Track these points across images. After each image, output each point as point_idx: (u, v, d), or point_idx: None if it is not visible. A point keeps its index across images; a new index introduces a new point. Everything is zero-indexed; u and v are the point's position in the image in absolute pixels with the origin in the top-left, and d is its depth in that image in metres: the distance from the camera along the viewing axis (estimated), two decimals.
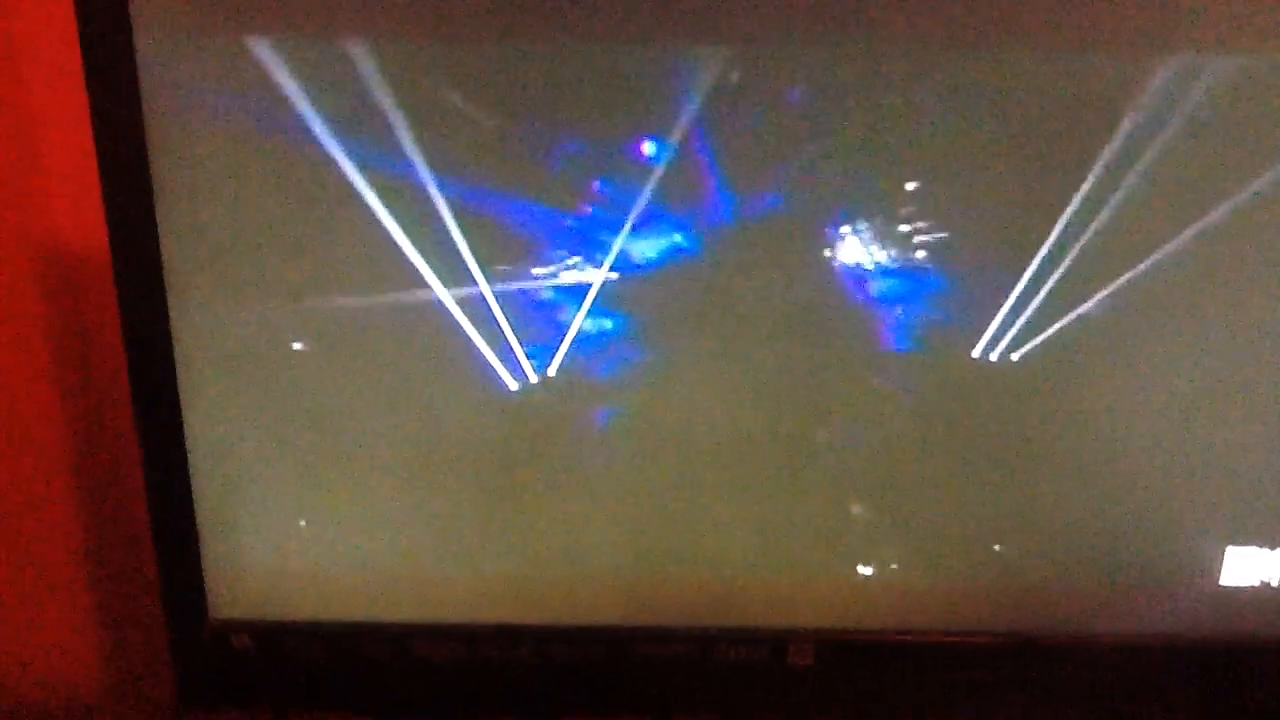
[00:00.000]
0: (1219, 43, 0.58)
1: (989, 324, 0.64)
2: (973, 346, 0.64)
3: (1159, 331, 0.64)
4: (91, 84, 0.58)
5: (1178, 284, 0.63)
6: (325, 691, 0.72)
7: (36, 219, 0.76)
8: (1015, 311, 0.63)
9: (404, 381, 0.65)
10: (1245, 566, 0.70)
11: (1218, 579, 0.70)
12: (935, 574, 0.70)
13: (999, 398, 0.65)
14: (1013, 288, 0.63)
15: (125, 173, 0.60)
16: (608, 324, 0.64)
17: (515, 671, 0.71)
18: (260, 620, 0.70)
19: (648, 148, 0.60)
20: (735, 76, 0.59)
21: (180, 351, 0.64)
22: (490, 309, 0.63)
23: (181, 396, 0.65)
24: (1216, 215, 0.62)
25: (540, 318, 0.64)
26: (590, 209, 0.61)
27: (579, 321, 0.64)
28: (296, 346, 0.64)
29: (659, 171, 0.60)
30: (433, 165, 0.60)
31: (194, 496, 0.67)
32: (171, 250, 0.62)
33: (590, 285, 0.63)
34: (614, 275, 0.63)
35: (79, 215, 0.76)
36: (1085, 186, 0.61)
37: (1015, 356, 0.64)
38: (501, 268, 0.62)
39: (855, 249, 0.62)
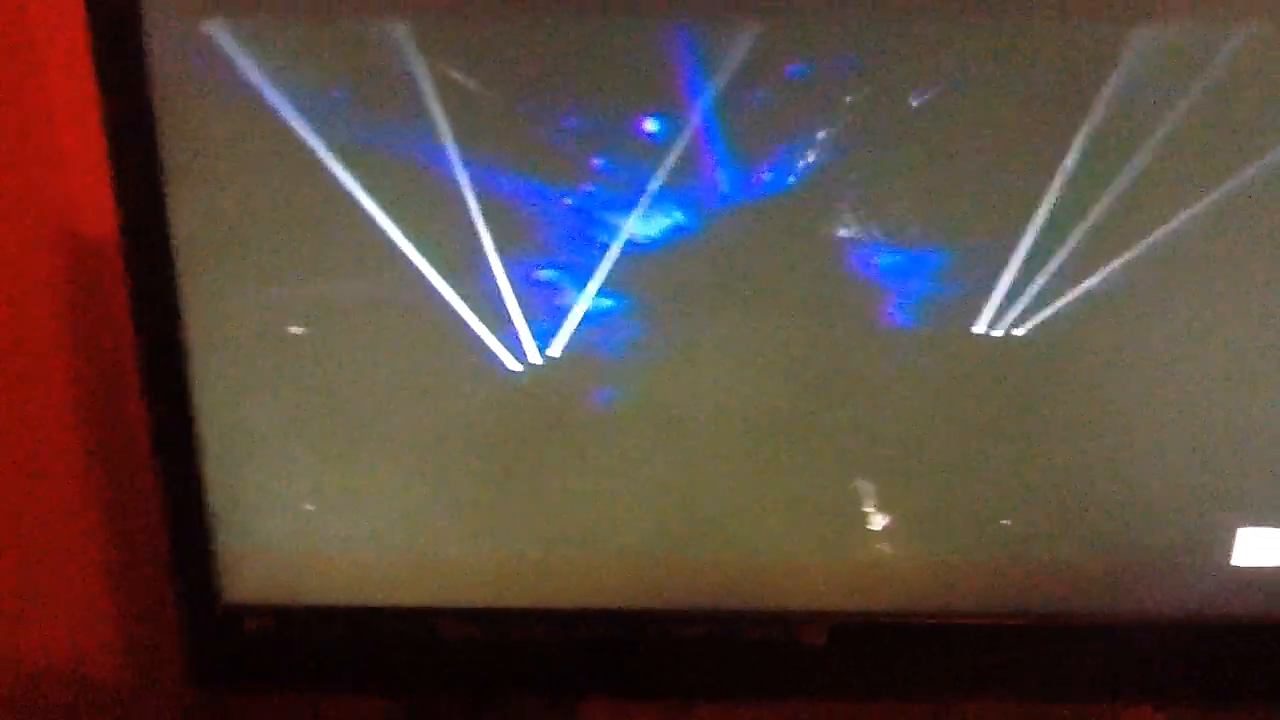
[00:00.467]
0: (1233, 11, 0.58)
1: (994, 298, 0.63)
2: (979, 321, 0.64)
3: (1168, 309, 0.64)
4: (101, 67, 0.59)
5: (1187, 260, 0.63)
6: (338, 674, 0.73)
7: (47, 202, 0.76)
8: (1021, 285, 0.63)
9: (413, 362, 0.65)
10: (1257, 547, 0.69)
11: (1229, 559, 0.70)
12: (947, 553, 0.70)
13: (1009, 373, 0.65)
14: (1016, 261, 0.62)
15: (135, 156, 0.60)
16: (611, 303, 0.64)
17: (530, 653, 0.71)
18: (273, 603, 0.70)
19: (651, 125, 0.60)
20: (738, 52, 0.58)
21: (191, 335, 0.64)
22: (496, 289, 0.63)
23: (192, 380, 0.65)
24: (1229, 188, 0.61)
25: (544, 298, 0.64)
26: (593, 187, 0.61)
27: (584, 302, 0.64)
28: (305, 329, 0.64)
29: (663, 149, 0.60)
30: (438, 146, 0.60)
31: (205, 479, 0.67)
32: (182, 234, 0.62)
33: (594, 264, 0.63)
34: (617, 254, 0.63)
35: (89, 198, 0.76)
36: (1090, 159, 0.60)
37: (1022, 331, 0.64)
38: (507, 247, 0.62)
39: (861, 225, 0.62)
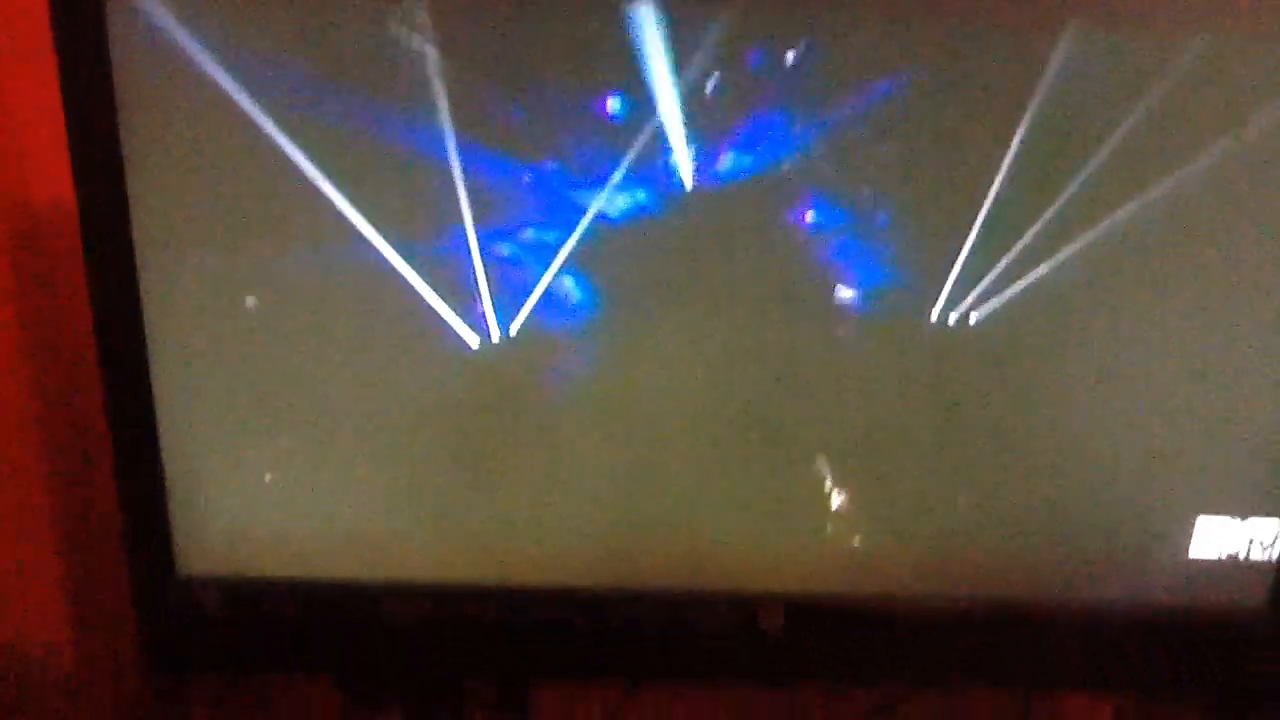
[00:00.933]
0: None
1: (947, 286, 0.64)
2: (933, 309, 0.64)
3: (1121, 300, 0.65)
4: (60, 46, 0.58)
5: (1138, 253, 0.63)
6: (293, 649, 0.72)
7: (6, 175, 0.75)
8: (974, 274, 0.63)
9: (367, 339, 0.65)
10: (1215, 536, 0.70)
11: (1188, 549, 0.70)
12: (905, 539, 0.70)
13: (964, 362, 0.66)
14: (968, 250, 0.63)
15: (93, 130, 0.60)
16: (571, 283, 0.64)
17: (485, 632, 0.71)
18: (228, 576, 0.70)
19: (614, 105, 0.60)
20: (702, 38, 0.58)
21: (147, 309, 0.64)
22: (456, 267, 0.63)
23: (149, 354, 0.65)
24: (1176, 182, 0.62)
25: (505, 276, 0.63)
26: (555, 165, 0.61)
27: (544, 281, 0.63)
28: (261, 304, 0.64)
29: (626, 131, 0.60)
30: (397, 121, 0.60)
31: (161, 452, 0.67)
32: (139, 209, 0.62)
33: (555, 244, 0.63)
34: (579, 234, 0.62)
35: (45, 172, 0.75)
36: (1037, 152, 0.61)
37: (975, 320, 0.64)
38: (466, 224, 0.62)
39: (817, 213, 0.62)
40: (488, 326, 0.64)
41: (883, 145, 0.61)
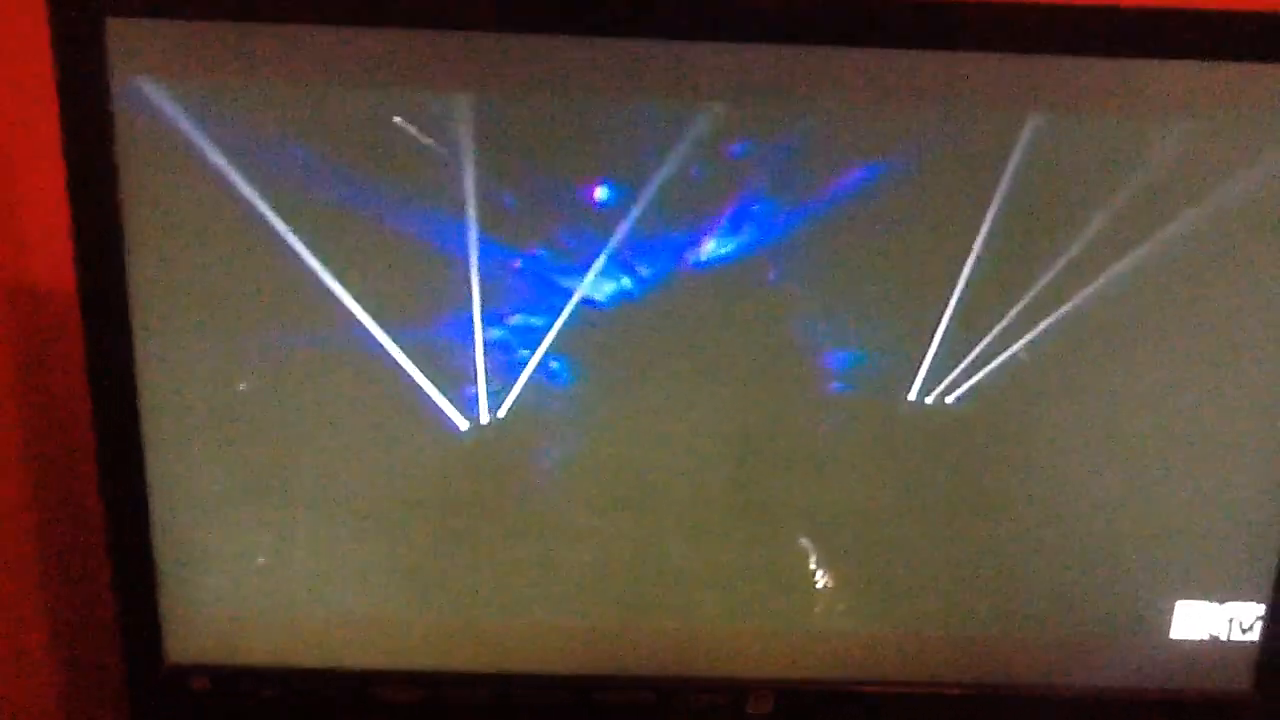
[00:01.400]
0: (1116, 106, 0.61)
1: (921, 368, 0.65)
2: (909, 391, 0.65)
3: (1098, 382, 0.66)
4: (65, 125, 0.59)
5: (1114, 333, 0.65)
6: None
7: (6, 250, 0.76)
8: (948, 356, 0.65)
9: (358, 424, 0.66)
10: (1195, 620, 0.70)
11: (1168, 632, 0.71)
12: (892, 624, 0.71)
13: (941, 445, 0.67)
14: (940, 332, 0.64)
15: (95, 211, 0.61)
16: (558, 366, 0.65)
17: (475, 717, 0.71)
18: (217, 664, 0.70)
19: (601, 193, 0.62)
20: (683, 130, 0.60)
21: (143, 393, 0.64)
22: (446, 349, 0.64)
23: (144, 438, 0.65)
24: (1151, 258, 0.63)
25: (493, 359, 0.64)
26: (544, 251, 0.63)
27: (532, 364, 0.65)
28: (255, 389, 0.65)
29: (611, 218, 0.62)
30: (390, 209, 0.61)
31: (152, 538, 0.67)
32: (138, 291, 0.62)
33: (542, 327, 0.64)
34: (566, 318, 0.64)
35: (47, 252, 0.76)
36: (1006, 237, 0.62)
37: (950, 401, 0.65)
38: (455, 309, 0.63)
39: (797, 296, 0.64)
40: (478, 409, 0.65)
41: (858, 231, 0.63)
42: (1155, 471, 0.67)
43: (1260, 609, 0.70)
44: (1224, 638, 0.71)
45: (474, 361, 0.64)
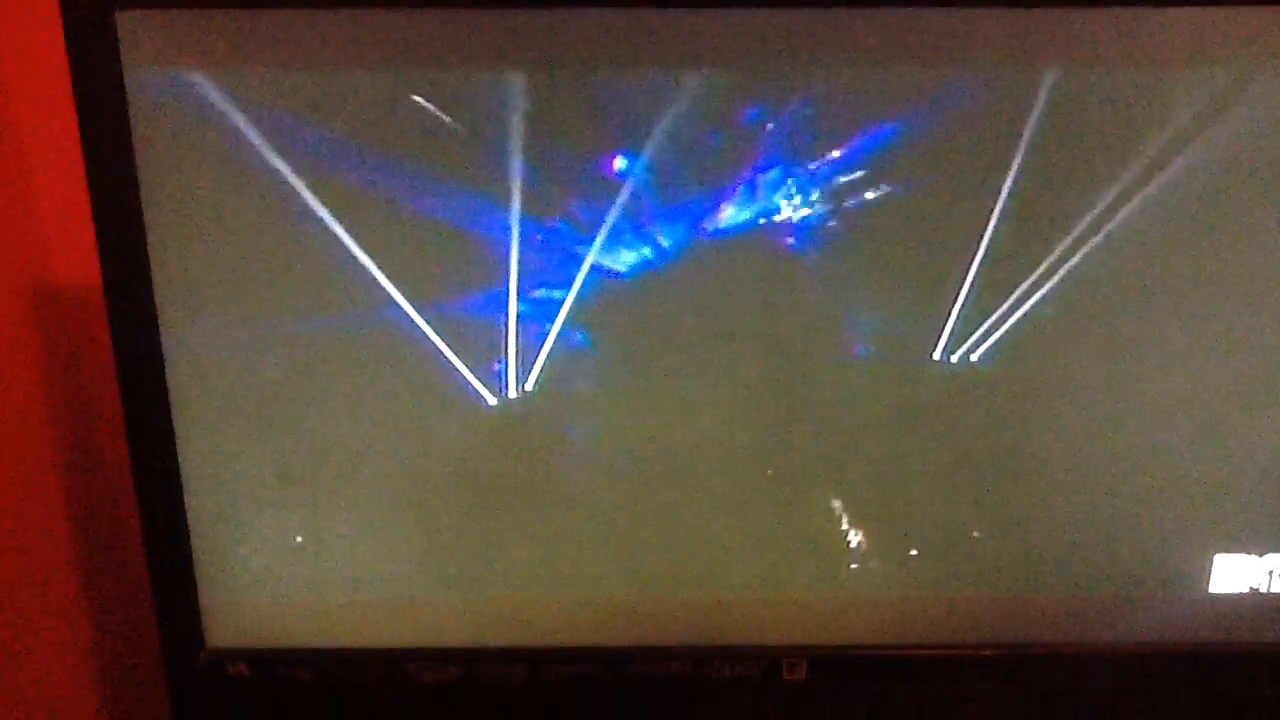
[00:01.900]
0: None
1: (945, 328, 0.64)
2: (934, 351, 0.65)
3: (1127, 337, 0.65)
4: (82, 116, 0.60)
5: (1147, 285, 0.64)
6: (321, 717, 0.72)
7: (29, 251, 0.77)
8: (972, 315, 0.64)
9: (387, 403, 0.66)
10: (1233, 573, 0.70)
11: (1207, 586, 0.70)
12: (925, 587, 0.70)
13: (970, 403, 0.66)
14: (967, 289, 0.64)
15: (116, 203, 0.61)
16: (582, 338, 0.65)
17: (510, 693, 0.71)
18: (256, 648, 0.71)
19: (619, 163, 0.61)
20: (697, 98, 0.60)
21: (173, 380, 0.65)
22: (473, 325, 0.64)
23: (175, 426, 0.66)
24: (1178, 207, 0.62)
25: (520, 333, 0.65)
26: (562, 224, 0.63)
27: (556, 336, 0.65)
28: (284, 372, 0.65)
29: (629, 187, 0.62)
30: (411, 187, 0.62)
31: (188, 525, 0.68)
32: (162, 279, 0.63)
33: (563, 300, 0.64)
34: (588, 289, 0.64)
35: (71, 246, 0.77)
36: (1024, 194, 0.62)
37: (976, 359, 0.65)
38: (482, 286, 0.64)
39: (821, 260, 0.63)
40: (506, 384, 0.65)
41: (877, 193, 0.62)
42: (1188, 425, 0.67)
43: None
44: (1264, 589, 0.70)
45: (500, 337, 0.65)
